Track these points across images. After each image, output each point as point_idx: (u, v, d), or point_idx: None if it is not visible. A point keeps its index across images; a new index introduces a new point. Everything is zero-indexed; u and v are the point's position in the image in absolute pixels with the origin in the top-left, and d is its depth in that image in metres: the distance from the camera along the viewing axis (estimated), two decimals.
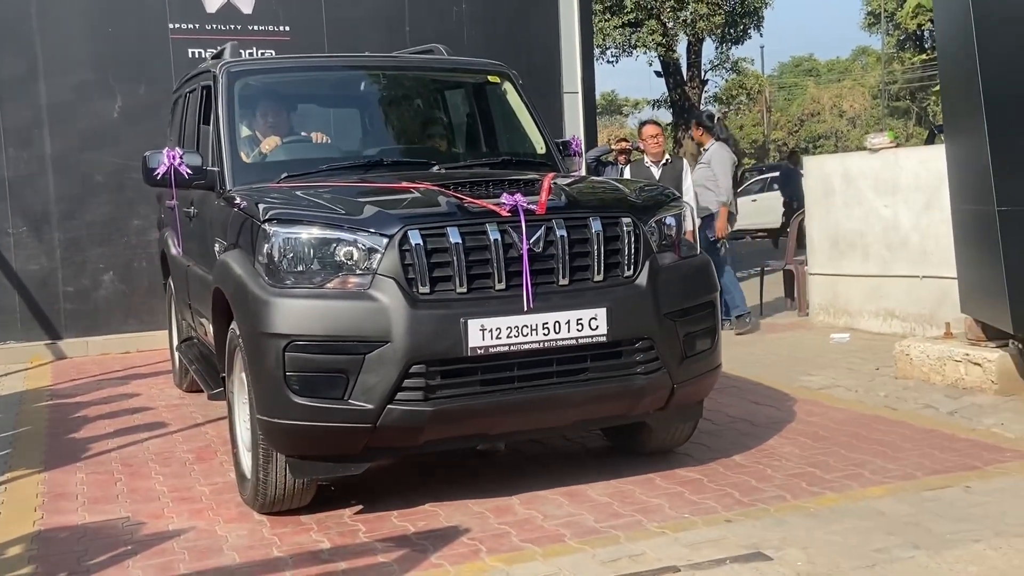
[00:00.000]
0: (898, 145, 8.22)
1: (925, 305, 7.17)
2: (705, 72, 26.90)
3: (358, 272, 3.54)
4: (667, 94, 26.39)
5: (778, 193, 18.55)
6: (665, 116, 28.58)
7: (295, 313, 3.48)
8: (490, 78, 5.43)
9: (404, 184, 4.13)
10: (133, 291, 8.41)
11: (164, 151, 4.60)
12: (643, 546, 3.37)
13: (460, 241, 3.56)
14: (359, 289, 3.51)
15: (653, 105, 30.32)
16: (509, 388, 3.61)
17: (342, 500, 3.99)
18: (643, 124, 8.35)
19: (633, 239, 3.85)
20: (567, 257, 3.69)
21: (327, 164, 4.63)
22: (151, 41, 8.33)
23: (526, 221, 3.62)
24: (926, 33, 35.26)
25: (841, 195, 7.90)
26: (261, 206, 3.77)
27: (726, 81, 29.97)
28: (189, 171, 4.51)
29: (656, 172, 7.64)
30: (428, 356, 3.47)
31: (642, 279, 3.84)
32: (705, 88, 27.51)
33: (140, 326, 8.39)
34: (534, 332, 3.56)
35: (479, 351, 3.50)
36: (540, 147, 5.23)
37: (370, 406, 3.44)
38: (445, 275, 3.55)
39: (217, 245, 4.32)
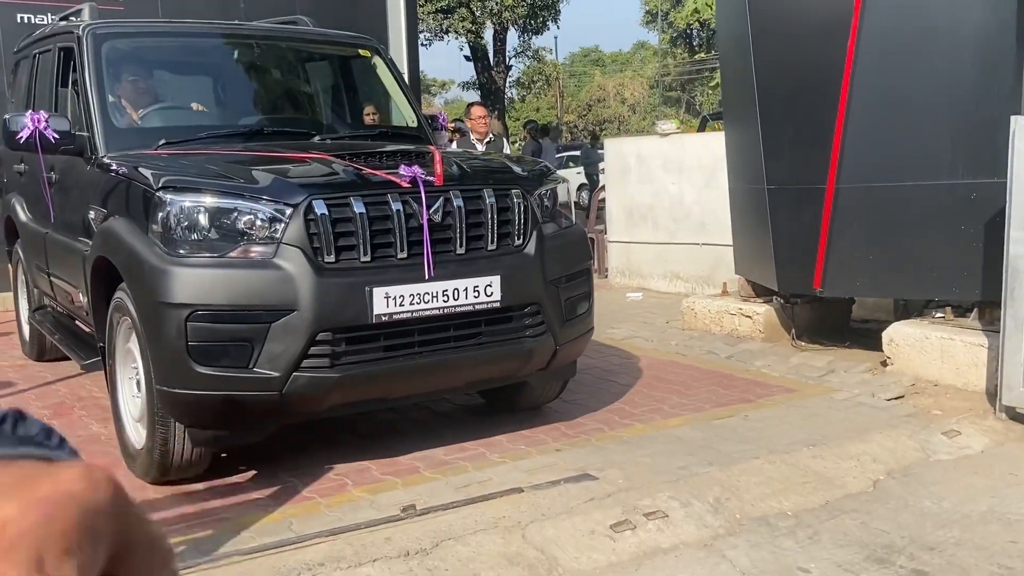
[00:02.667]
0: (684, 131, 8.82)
1: (704, 268, 7.74)
2: (509, 58, 27.39)
3: (260, 241, 3.29)
4: (476, 77, 26.68)
5: (576, 170, 19.32)
6: (473, 96, 28.84)
7: (198, 282, 3.22)
8: (361, 52, 5.20)
9: (298, 154, 3.88)
10: None
11: (27, 114, 4.14)
12: (488, 473, 3.58)
13: (364, 211, 3.38)
14: (263, 258, 3.27)
15: (463, 87, 30.57)
16: (410, 353, 3.49)
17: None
18: (471, 105, 8.50)
19: (522, 210, 3.77)
20: (464, 227, 3.60)
21: (206, 132, 4.29)
22: None
23: (425, 192, 3.51)
24: (695, 32, 37.33)
25: (636, 173, 8.38)
26: (152, 173, 3.46)
27: (527, 67, 30.61)
28: (56, 135, 4.06)
29: (480, 148, 7.83)
30: (335, 324, 3.30)
31: (530, 248, 3.77)
32: (509, 73, 28.03)
33: None
34: (434, 299, 3.47)
35: (383, 318, 3.37)
36: (411, 120, 5.06)
37: (276, 374, 3.24)
38: (349, 244, 3.37)
39: (92, 212, 3.94)
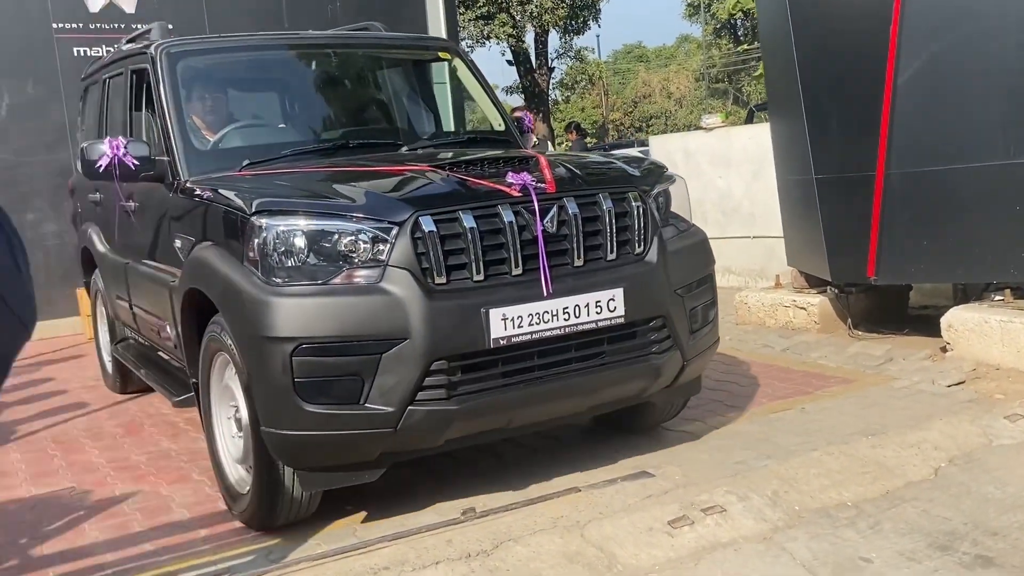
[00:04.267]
0: (731, 124, 8.78)
1: (756, 261, 7.70)
2: (552, 60, 27.46)
3: (365, 264, 3.02)
4: (519, 81, 26.79)
5: None
6: (516, 101, 28.97)
7: (303, 313, 2.95)
8: (441, 55, 4.95)
9: (394, 167, 3.63)
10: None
11: (106, 141, 3.91)
12: (547, 474, 3.62)
13: (475, 225, 3.08)
14: (369, 283, 3.00)
15: (507, 91, 30.68)
16: (531, 379, 3.19)
17: None
18: (515, 110, 8.61)
19: (641, 213, 3.45)
20: (581, 236, 3.28)
21: (290, 149, 4.02)
22: (36, 40, 7.93)
23: (538, 201, 3.20)
24: (738, 23, 36.92)
25: (683, 169, 8.34)
26: (244, 197, 3.23)
27: (570, 68, 30.63)
28: (135, 162, 3.86)
29: None
30: (450, 351, 3.01)
31: (652, 255, 3.45)
32: (552, 75, 28.10)
33: (39, 316, 8.06)
34: (555, 318, 3.15)
35: (501, 342, 3.07)
36: (498, 123, 4.76)
37: (390, 409, 2.97)
38: (459, 263, 3.08)
39: (179, 241, 3.73)
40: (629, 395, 3.53)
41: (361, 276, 3.02)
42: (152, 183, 4.04)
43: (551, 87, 28.44)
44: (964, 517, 3.10)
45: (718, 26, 39.86)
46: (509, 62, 26.35)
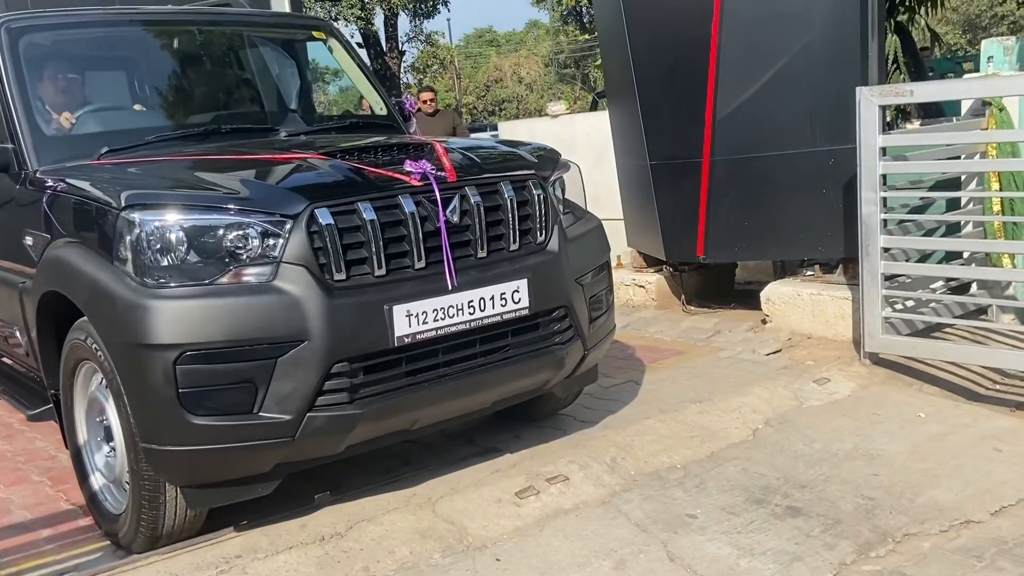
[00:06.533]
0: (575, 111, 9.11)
1: None
2: (402, 44, 27.25)
3: (255, 261, 2.81)
4: (369, 64, 26.42)
5: None
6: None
7: (187, 317, 2.70)
8: (315, 33, 4.68)
9: (279, 154, 3.38)
10: None
11: None
12: (401, 458, 3.74)
13: (375, 217, 2.92)
14: (261, 282, 2.79)
15: None
16: (436, 376, 3.07)
17: None
18: (421, 91, 9.41)
19: (542, 201, 3.36)
20: (484, 226, 3.18)
21: (155, 135, 3.71)
22: None
23: (439, 190, 3.08)
24: (584, 10, 37.77)
25: None
26: (111, 188, 2.95)
27: (421, 52, 30.51)
28: None
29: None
30: (352, 352, 2.85)
31: (554, 244, 3.38)
32: (403, 58, 27.90)
33: None
34: (460, 312, 3.05)
35: (406, 339, 2.93)
36: (379, 108, 4.55)
37: (287, 417, 2.78)
38: (359, 257, 2.92)
39: (30, 239, 3.40)
40: (533, 387, 3.47)
41: (251, 274, 2.81)
42: None
43: (403, 71, 28.23)
44: (777, 472, 3.42)
45: (565, 12, 40.62)
46: (359, 44, 25.95)
